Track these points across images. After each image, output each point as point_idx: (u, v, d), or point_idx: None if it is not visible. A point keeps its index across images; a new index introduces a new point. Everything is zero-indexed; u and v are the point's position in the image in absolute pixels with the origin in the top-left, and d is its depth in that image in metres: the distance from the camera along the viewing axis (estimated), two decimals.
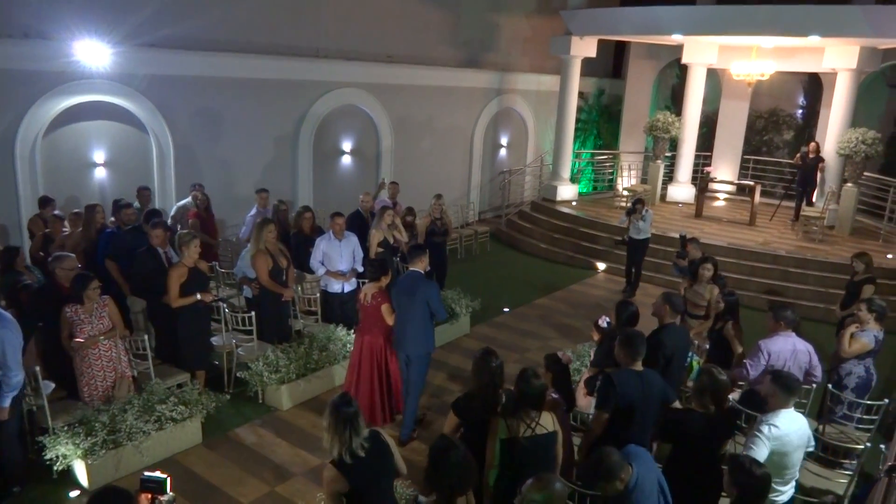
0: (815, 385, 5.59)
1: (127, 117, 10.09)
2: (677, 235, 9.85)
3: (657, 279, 11.51)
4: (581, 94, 15.89)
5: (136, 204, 8.79)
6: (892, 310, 7.79)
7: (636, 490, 3.44)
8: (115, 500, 2.86)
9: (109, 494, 2.89)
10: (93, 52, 9.22)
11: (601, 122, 18.20)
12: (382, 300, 6.23)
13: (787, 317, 5.42)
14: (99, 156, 9.98)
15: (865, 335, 5.87)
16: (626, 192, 15.10)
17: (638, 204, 10.59)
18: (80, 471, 5.46)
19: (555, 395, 4.72)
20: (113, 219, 8.22)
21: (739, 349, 6.15)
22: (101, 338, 5.74)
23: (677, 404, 4.67)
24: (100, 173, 10.04)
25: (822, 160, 13.15)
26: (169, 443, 5.92)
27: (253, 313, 7.08)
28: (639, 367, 4.50)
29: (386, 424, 6.49)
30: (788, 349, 5.34)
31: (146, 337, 6.38)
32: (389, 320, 6.24)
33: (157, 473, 3.15)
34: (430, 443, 3.69)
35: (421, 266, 6.19)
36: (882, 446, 5.28)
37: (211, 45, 10.60)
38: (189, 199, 9.54)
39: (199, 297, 6.55)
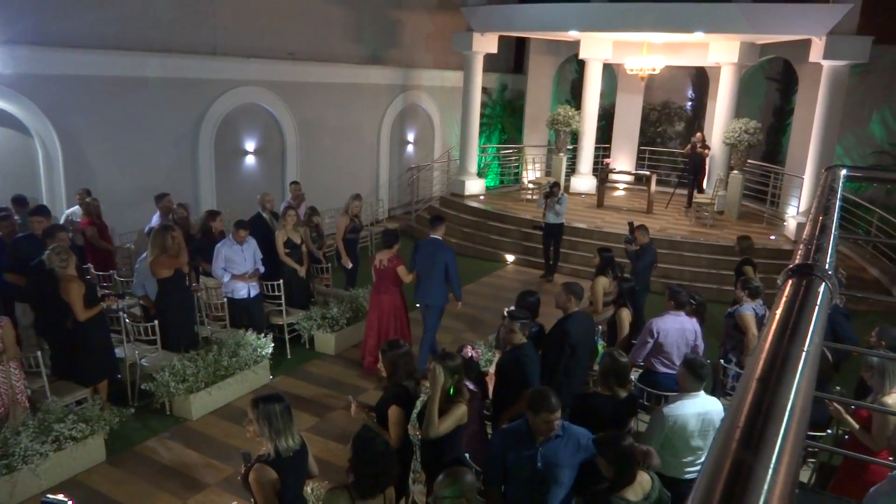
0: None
1: (7, 120, 9.43)
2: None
3: (565, 268, 11.89)
4: (484, 90, 16.15)
5: (17, 217, 8.22)
6: (774, 286, 8.38)
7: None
8: None
9: None
10: None
11: (505, 117, 18.58)
12: (398, 263, 7.36)
13: (681, 299, 5.90)
14: None
15: (745, 309, 6.30)
16: (531, 185, 15.50)
17: (555, 187, 10.99)
18: None
19: (471, 387, 4.84)
20: None
21: (624, 334, 6.47)
22: None
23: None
24: None
25: (707, 148, 14.01)
26: (70, 463, 5.63)
27: (156, 322, 6.82)
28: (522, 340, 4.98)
29: None
30: (677, 327, 5.83)
31: (39, 353, 6.02)
32: (406, 279, 7.38)
33: (60, 496, 3.04)
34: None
35: (440, 234, 7.41)
36: None
37: (100, 42, 10.04)
38: (76, 206, 9.03)
39: (104, 305, 6.33)
